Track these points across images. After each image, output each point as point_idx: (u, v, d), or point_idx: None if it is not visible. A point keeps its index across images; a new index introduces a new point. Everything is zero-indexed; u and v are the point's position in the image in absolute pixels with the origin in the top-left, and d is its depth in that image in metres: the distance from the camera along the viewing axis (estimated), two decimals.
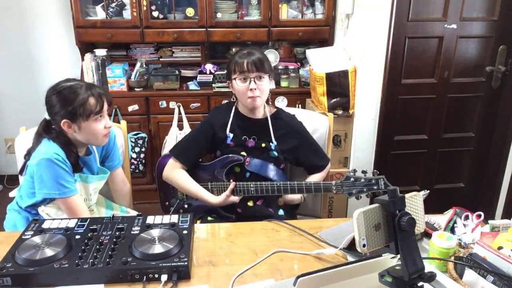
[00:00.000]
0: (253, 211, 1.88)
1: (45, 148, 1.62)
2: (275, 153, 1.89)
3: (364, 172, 1.70)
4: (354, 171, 1.72)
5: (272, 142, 1.89)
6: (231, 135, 1.88)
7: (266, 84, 1.84)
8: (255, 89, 1.79)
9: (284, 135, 1.92)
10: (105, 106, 1.66)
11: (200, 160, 1.98)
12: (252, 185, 1.81)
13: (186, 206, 1.98)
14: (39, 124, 1.71)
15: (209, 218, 1.89)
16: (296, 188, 1.79)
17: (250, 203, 1.90)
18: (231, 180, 1.83)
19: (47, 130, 1.67)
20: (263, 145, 1.89)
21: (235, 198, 1.83)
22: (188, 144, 1.94)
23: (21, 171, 1.75)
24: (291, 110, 2.04)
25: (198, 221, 1.91)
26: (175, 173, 1.90)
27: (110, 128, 1.72)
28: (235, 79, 1.83)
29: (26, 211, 1.73)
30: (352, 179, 1.70)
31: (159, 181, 2.02)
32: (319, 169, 1.98)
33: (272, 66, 1.92)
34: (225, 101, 3.12)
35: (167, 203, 2.05)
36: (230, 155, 1.87)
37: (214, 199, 1.85)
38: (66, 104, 1.59)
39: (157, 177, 2.03)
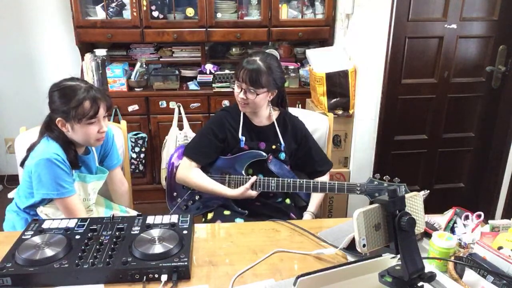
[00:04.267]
0: (263, 208, 1.87)
1: (44, 148, 1.62)
2: (283, 154, 1.89)
3: (386, 178, 1.73)
4: (377, 175, 1.74)
5: (281, 144, 1.89)
6: (244, 138, 1.88)
7: (259, 97, 1.79)
8: (244, 98, 1.80)
9: (289, 135, 1.92)
10: (101, 111, 1.62)
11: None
12: (273, 181, 1.81)
13: (197, 197, 1.96)
14: (44, 119, 1.69)
15: (225, 213, 1.88)
16: (319, 187, 1.79)
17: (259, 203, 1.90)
18: (250, 176, 1.83)
19: (48, 126, 1.66)
20: (273, 147, 1.89)
21: (253, 193, 1.82)
22: (202, 144, 1.91)
23: (22, 163, 1.72)
24: (291, 111, 2.04)
25: (210, 214, 1.91)
26: (190, 173, 1.88)
27: (105, 133, 1.69)
28: (235, 81, 1.84)
29: (25, 212, 1.73)
30: (375, 182, 1.72)
31: (170, 171, 2.01)
32: (318, 174, 1.97)
33: (278, 74, 1.82)
34: (225, 102, 3.17)
35: (175, 193, 2.01)
36: (254, 150, 1.87)
37: (231, 191, 1.84)
38: (63, 103, 1.58)
39: (168, 167, 2.04)
